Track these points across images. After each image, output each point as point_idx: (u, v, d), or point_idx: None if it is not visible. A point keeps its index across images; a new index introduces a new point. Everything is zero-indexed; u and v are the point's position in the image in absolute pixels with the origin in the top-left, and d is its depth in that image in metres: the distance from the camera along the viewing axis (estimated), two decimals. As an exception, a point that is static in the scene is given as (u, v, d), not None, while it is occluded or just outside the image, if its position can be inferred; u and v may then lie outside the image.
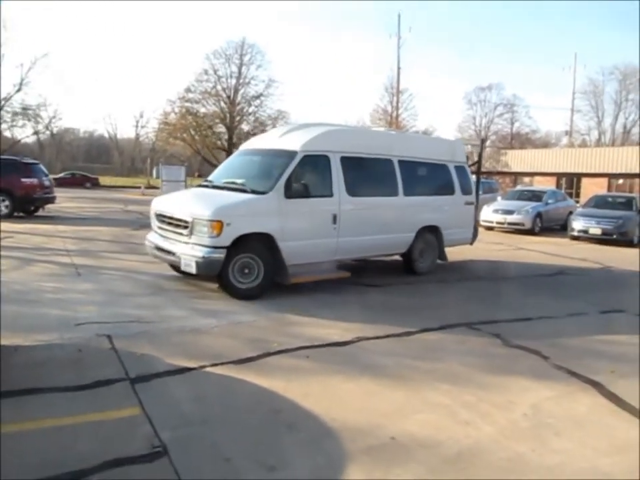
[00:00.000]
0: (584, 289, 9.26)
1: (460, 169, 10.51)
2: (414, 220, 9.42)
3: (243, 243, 7.16)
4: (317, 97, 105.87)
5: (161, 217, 7.95)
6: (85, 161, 76.46)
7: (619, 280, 10.65)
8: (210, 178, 9.06)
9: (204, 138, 47.92)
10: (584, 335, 6.27)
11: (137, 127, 76.46)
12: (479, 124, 73.81)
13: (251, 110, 51.36)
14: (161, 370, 4.54)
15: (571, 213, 18.52)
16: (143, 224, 15.68)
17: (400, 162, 9.22)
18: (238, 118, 50.15)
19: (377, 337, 5.74)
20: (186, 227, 7.26)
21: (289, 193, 7.51)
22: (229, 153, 52.15)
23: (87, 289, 7.45)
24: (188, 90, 48.23)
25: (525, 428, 3.81)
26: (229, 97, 49.87)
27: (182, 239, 7.35)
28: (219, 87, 49.54)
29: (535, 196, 19.52)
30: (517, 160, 42.59)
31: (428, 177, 9.93)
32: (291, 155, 7.86)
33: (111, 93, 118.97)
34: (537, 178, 39.95)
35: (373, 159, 8.88)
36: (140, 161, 76.82)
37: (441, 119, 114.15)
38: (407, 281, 9.07)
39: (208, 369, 4.63)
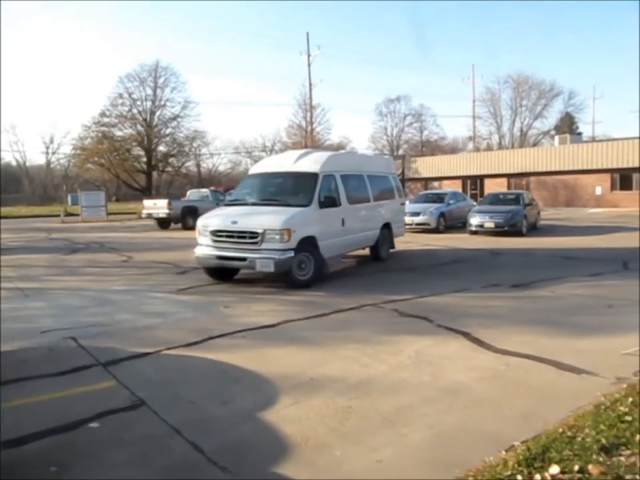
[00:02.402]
0: (473, 272, 11.01)
1: (395, 179, 14.09)
2: (378, 219, 12.48)
3: (300, 245, 9.13)
4: (233, 115, 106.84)
5: (221, 232, 9.50)
6: (-8, 191, 73.16)
7: (502, 263, 12.54)
8: (236, 197, 11.03)
9: (122, 162, 47.78)
10: (464, 304, 7.88)
11: (47, 153, 74.17)
12: (391, 134, 77.45)
13: (168, 131, 51.87)
14: (125, 356, 5.61)
15: (470, 211, 20.65)
16: (73, 249, 16.29)
17: (368, 176, 12.14)
18: (156, 140, 50.41)
19: (299, 319, 7.05)
20: (255, 237, 9.06)
21: (321, 205, 9.84)
22: (149, 175, 52.38)
23: (39, 306, 8.29)
24: (103, 114, 48.13)
25: (408, 364, 5.21)
26: (145, 120, 50.06)
27: (251, 247, 9.13)
28: (134, 110, 49.71)
29: (439, 198, 21.57)
30: (426, 166, 45.42)
31: (381, 185, 12.95)
32: (313, 176, 10.13)
33: (18, 119, 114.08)
34: (445, 182, 42.84)
35: (355, 175, 11.67)
36: (52, 188, 74.60)
37: (354, 130, 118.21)
38: (329, 276, 10.42)
39: (164, 352, 5.74)
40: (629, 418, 3.73)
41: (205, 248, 9.78)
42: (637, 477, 3.02)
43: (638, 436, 3.48)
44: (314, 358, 5.46)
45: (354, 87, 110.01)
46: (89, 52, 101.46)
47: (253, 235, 9.11)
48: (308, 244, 9.39)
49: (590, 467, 3.12)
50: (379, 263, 12.45)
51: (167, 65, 52.65)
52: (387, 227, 12.81)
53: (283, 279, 9.46)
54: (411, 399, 4.34)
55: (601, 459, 3.22)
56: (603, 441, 3.42)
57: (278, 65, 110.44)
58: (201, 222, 10.06)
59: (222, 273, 10.16)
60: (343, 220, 10.59)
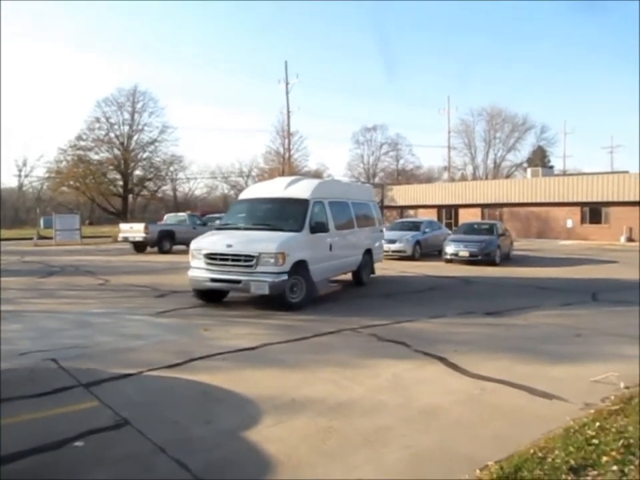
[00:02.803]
0: (448, 299, 11.25)
1: (375, 206, 14.63)
2: (361, 245, 12.88)
3: (293, 268, 9.41)
4: (210, 140, 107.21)
5: (215, 256, 9.69)
6: (-38, 215, 71.59)
7: (476, 291, 12.81)
8: (227, 222, 11.28)
9: (98, 185, 47.49)
10: (439, 330, 8.09)
11: (19, 176, 72.99)
12: (367, 162, 78.53)
13: (145, 155, 51.84)
14: (107, 377, 5.65)
15: (445, 239, 21.04)
16: (49, 272, 16.14)
17: (352, 203, 12.60)
18: (132, 164, 50.30)
19: (279, 342, 7.16)
20: (250, 260, 9.29)
21: (312, 230, 10.19)
22: (124, 199, 52.11)
23: (17, 328, 8.23)
24: (79, 137, 47.98)
25: (386, 387, 5.36)
26: (122, 144, 50.01)
27: (246, 270, 9.34)
28: (112, 134, 49.68)
29: (415, 226, 21.96)
30: (402, 194, 46.09)
31: (363, 212, 13.37)
32: (304, 202, 10.52)
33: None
34: (420, 210, 43.47)
35: (341, 202, 12.07)
36: (24, 211, 73.37)
37: (331, 157, 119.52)
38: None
39: (145, 373, 5.80)
40: (595, 441, 3.93)
41: (198, 270, 9.94)
42: (603, 493, 3.20)
43: (604, 457, 3.68)
44: (294, 380, 5.58)
45: (331, 115, 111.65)
46: (65, 76, 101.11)
47: (248, 258, 9.33)
48: (300, 267, 9.68)
49: (559, 484, 3.30)
50: (356, 288, 12.65)
51: (145, 90, 52.97)
52: (368, 252, 13.22)
53: (269, 301, 9.66)
54: (389, 420, 4.48)
55: (569, 478, 3.40)
56: (572, 462, 3.61)
57: (256, 92, 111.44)
58: (195, 245, 10.24)
59: (211, 296, 10.33)
60: (331, 245, 11.00)
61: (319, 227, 10.40)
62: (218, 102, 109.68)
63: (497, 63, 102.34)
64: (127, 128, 50.58)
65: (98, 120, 48.74)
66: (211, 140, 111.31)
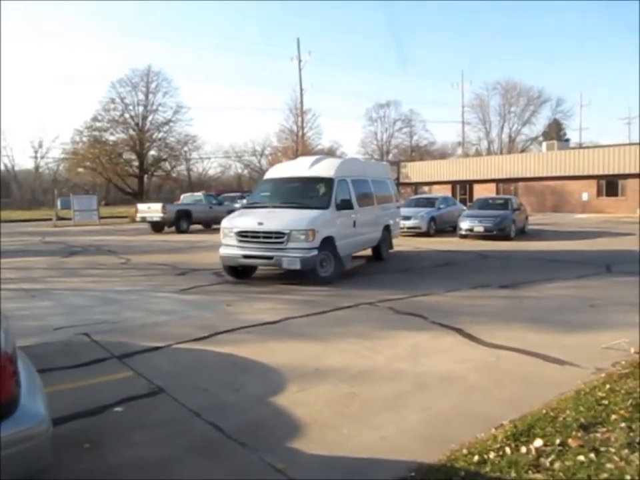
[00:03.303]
0: (463, 273, 11.45)
1: (392, 184, 15.06)
2: (380, 221, 13.22)
3: (322, 244, 9.82)
4: (224, 119, 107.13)
5: (247, 233, 10.11)
6: (-20, 196, 72.53)
7: (491, 265, 12.98)
8: (255, 200, 11.71)
9: (114, 166, 47.87)
10: (455, 303, 8.29)
11: (36, 157, 73.54)
12: (381, 139, 78.15)
13: (160, 136, 52.07)
14: (138, 349, 5.95)
15: (460, 215, 21.12)
16: (71, 252, 16.55)
17: (372, 181, 12.93)
18: (147, 144, 50.58)
19: (300, 316, 7.43)
20: (281, 237, 9.70)
21: (338, 207, 10.58)
22: (140, 179, 52.54)
23: (47, 305, 8.59)
24: (95, 119, 48.23)
25: (405, 356, 5.60)
26: (137, 124, 50.24)
27: (277, 246, 9.77)
28: (127, 115, 49.88)
29: (429, 202, 22.04)
30: (416, 171, 45.98)
31: (382, 190, 13.71)
32: (329, 180, 10.91)
33: (7, 124, 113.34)
34: (434, 186, 43.39)
35: (362, 180, 12.36)
36: (41, 192, 74.18)
37: (344, 135, 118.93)
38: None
39: (174, 346, 6.09)
40: (605, 402, 4.14)
41: (229, 248, 10.32)
42: (610, 449, 3.42)
43: (613, 416, 3.89)
44: (316, 351, 5.83)
45: (344, 92, 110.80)
46: (79, 56, 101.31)
47: (279, 235, 9.73)
48: (328, 243, 10.08)
49: (570, 440, 3.53)
50: (373, 264, 12.88)
51: (159, 70, 53.09)
52: (387, 228, 13.61)
53: (290, 277, 10.16)
54: (409, 386, 4.73)
55: (579, 434, 3.62)
56: (582, 420, 3.83)
57: (269, 70, 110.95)
58: (226, 223, 10.63)
59: (242, 272, 10.78)
60: (355, 221, 11.37)
61: (344, 204, 10.76)
62: (231, 81, 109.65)
63: (511, 36, 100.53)
64: (141, 108, 50.90)
65: (113, 101, 49.12)
66: (224, 119, 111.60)
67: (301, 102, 48.24)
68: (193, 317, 7.59)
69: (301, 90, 47.26)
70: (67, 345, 6.24)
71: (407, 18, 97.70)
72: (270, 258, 9.85)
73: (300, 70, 46.16)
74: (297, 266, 9.65)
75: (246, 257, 10.09)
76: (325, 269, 10.12)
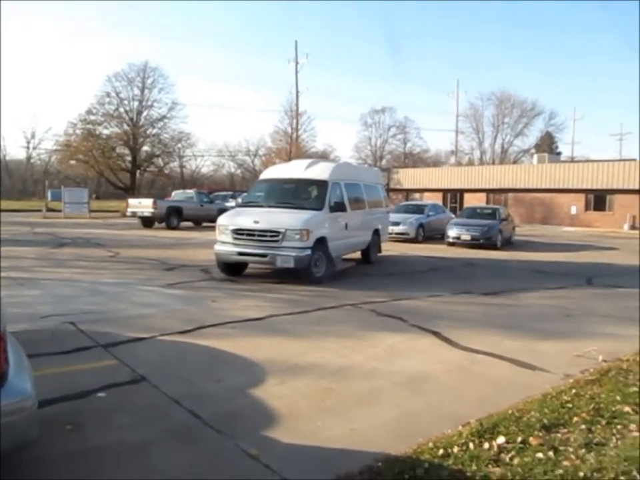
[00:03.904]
0: (447, 279, 11.66)
1: (382, 189, 15.39)
2: (370, 225, 13.49)
3: (315, 244, 10.06)
4: (218, 118, 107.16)
5: (242, 231, 10.30)
6: (-30, 185, 71.87)
7: (475, 273, 13.22)
8: (250, 200, 11.94)
9: (107, 160, 47.78)
10: (436, 307, 8.49)
11: (28, 148, 72.94)
12: (375, 144, 78.43)
13: (154, 132, 52.05)
14: (123, 339, 6.08)
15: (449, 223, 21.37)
16: (60, 243, 16.61)
17: (364, 185, 13.24)
18: (141, 140, 50.52)
19: (284, 314, 7.59)
20: (276, 236, 9.92)
21: (331, 209, 10.87)
22: (132, 174, 52.50)
23: (35, 294, 8.68)
24: (89, 112, 48.16)
25: (383, 356, 5.78)
26: (131, 119, 50.20)
27: (272, 244, 10.00)
28: (121, 110, 49.84)
29: (419, 209, 22.28)
30: (407, 178, 46.28)
31: (373, 194, 13.98)
32: (324, 183, 11.18)
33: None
34: (426, 194, 43.67)
35: (354, 184, 12.68)
36: (32, 183, 73.66)
37: (338, 139, 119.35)
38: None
39: (158, 338, 6.23)
40: (569, 405, 4.35)
41: (225, 245, 10.55)
42: (569, 448, 3.61)
43: (575, 418, 4.08)
44: (298, 348, 6.00)
45: (340, 96, 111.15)
46: (75, 49, 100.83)
47: (275, 233, 9.97)
48: (321, 244, 10.34)
49: (531, 439, 3.72)
50: (359, 267, 13.07)
51: (156, 66, 53.05)
52: (376, 232, 13.89)
53: (278, 276, 10.44)
54: (383, 384, 4.90)
55: (541, 434, 3.81)
56: (545, 421, 4.02)
57: (265, 71, 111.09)
58: (222, 221, 10.83)
59: (234, 269, 11.02)
60: (347, 224, 11.70)
61: (337, 207, 11.09)
62: (227, 79, 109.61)
63: (506, 48, 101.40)
64: (136, 103, 50.84)
65: (108, 95, 49.03)
66: (218, 117, 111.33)
67: (297, 104, 48.39)
68: (179, 310, 7.73)
69: (297, 92, 47.40)
70: (53, 332, 6.35)
71: (404, 25, 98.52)
72: (264, 256, 10.08)
73: (296, 72, 46.29)
74: (291, 264, 9.89)
75: (241, 254, 10.31)
76: (318, 268, 10.35)
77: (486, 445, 3.60)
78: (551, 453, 3.50)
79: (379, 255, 14.39)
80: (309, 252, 9.94)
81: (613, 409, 4.26)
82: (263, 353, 5.70)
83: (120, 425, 3.93)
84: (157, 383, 4.74)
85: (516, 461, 3.41)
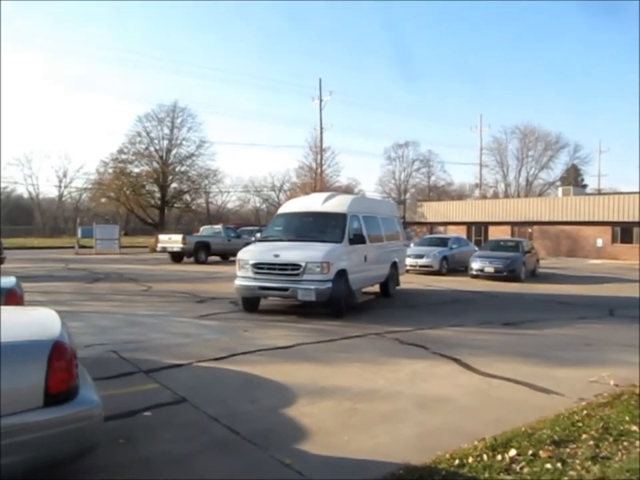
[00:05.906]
0: (469, 311, 11.93)
1: (399, 222, 15.73)
2: (388, 258, 13.65)
3: (336, 277, 10.21)
4: (244, 154, 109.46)
5: (263, 265, 10.49)
6: (5, 223, 74.32)
7: (498, 304, 13.44)
8: (269, 234, 12.03)
9: (137, 197, 49.20)
10: (458, 336, 8.80)
11: (60, 186, 75.27)
12: (399, 178, 78.97)
13: (182, 169, 53.57)
14: (163, 366, 6.55)
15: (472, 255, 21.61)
16: (95, 278, 17.31)
17: (381, 218, 13.52)
18: (170, 177, 51.98)
19: (311, 343, 8.01)
20: (297, 269, 10.07)
21: (351, 242, 11.03)
22: (162, 210, 53.93)
23: (76, 325, 9.18)
24: (121, 151, 49.83)
25: (405, 380, 6.14)
26: (161, 158, 51.75)
27: (293, 278, 10.14)
28: (151, 149, 51.43)
29: (442, 242, 22.61)
30: (432, 211, 46.58)
31: (390, 227, 14.27)
32: (342, 215, 11.38)
33: (32, 153, 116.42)
34: (450, 227, 43.89)
35: (372, 217, 12.91)
36: (63, 220, 75.83)
37: (362, 173, 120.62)
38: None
39: (195, 364, 6.68)
40: (580, 424, 4.65)
41: (245, 280, 10.69)
42: (576, 460, 3.92)
43: (584, 435, 4.39)
44: (324, 373, 6.39)
45: (363, 131, 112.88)
46: (102, 90, 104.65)
47: (295, 267, 10.11)
48: (341, 276, 10.45)
49: (541, 452, 4.04)
50: (382, 299, 13.41)
51: (185, 106, 54.94)
52: (394, 265, 14.03)
53: (302, 309, 10.65)
54: (405, 405, 5.26)
55: (550, 448, 4.13)
56: (556, 437, 4.34)
57: (291, 107, 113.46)
58: (241, 255, 11.00)
59: (254, 303, 11.12)
60: (366, 256, 11.85)
61: (356, 239, 11.23)
62: (252, 116, 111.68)
63: (530, 82, 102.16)
64: (166, 142, 52.61)
65: (139, 134, 50.87)
66: (244, 153, 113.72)
67: (321, 140, 49.40)
68: (212, 339, 8.20)
69: (321, 129, 48.45)
70: (97, 360, 6.84)
71: (426, 61, 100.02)
72: (285, 289, 10.20)
73: (320, 110, 47.47)
74: (312, 297, 10.00)
75: (262, 288, 10.42)
76: (339, 301, 10.40)
77: (499, 457, 3.94)
78: (559, 464, 3.82)
79: (402, 287, 14.68)
80: (329, 284, 9.99)
81: (621, 427, 4.55)
82: (292, 378, 6.10)
83: (166, 439, 4.36)
84: (196, 404, 5.18)
85: (526, 470, 3.74)
